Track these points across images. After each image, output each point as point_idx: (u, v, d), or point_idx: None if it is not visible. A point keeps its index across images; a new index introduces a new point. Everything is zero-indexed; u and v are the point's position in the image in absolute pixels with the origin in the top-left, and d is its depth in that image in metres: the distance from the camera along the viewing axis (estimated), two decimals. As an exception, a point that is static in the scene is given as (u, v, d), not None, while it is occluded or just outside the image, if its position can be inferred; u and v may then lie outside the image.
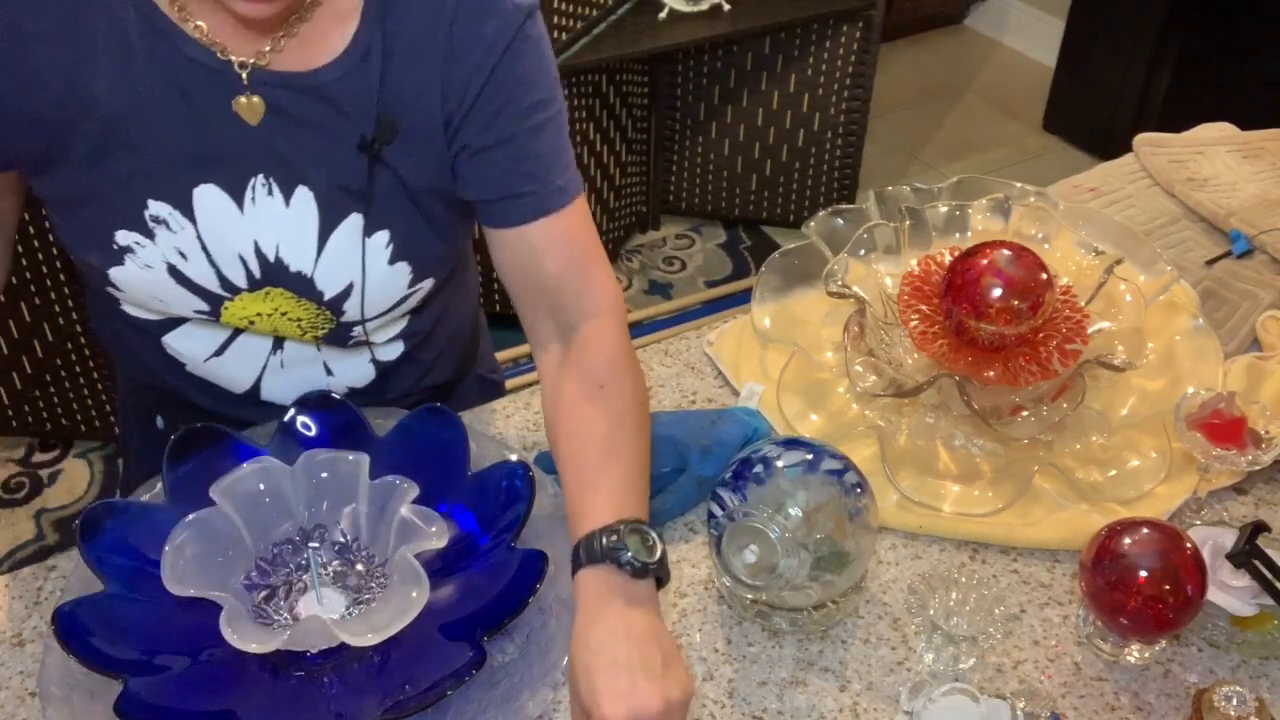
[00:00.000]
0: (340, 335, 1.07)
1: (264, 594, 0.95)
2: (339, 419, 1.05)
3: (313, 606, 0.94)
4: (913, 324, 1.11)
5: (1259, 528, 0.97)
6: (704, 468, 1.08)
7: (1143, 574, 0.91)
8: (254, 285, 1.00)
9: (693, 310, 2.78)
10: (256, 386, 1.11)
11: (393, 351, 1.14)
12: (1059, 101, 3.41)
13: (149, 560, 0.93)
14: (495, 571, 0.93)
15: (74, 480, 2.32)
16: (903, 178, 3.24)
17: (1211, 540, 0.99)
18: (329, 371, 1.12)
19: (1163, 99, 3.09)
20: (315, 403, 1.06)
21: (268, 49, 0.92)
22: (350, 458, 0.97)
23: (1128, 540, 0.93)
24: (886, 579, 1.04)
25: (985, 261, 1.06)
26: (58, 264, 2.07)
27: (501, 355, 2.59)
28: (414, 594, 0.87)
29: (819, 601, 0.97)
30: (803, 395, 1.18)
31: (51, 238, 2.01)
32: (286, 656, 0.90)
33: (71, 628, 0.86)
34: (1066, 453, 1.11)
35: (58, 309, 2.13)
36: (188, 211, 0.96)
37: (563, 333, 1.04)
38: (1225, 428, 1.02)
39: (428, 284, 1.06)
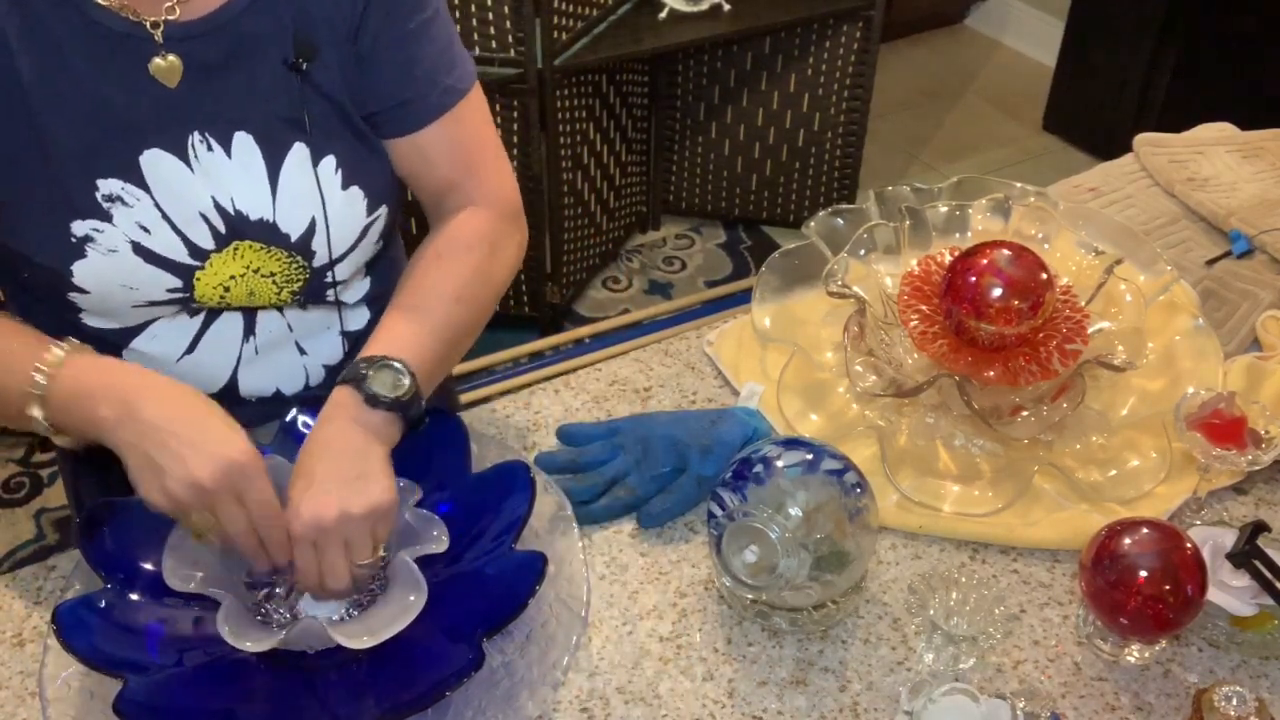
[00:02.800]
0: (315, 288, 1.06)
1: (264, 592, 0.95)
2: None
3: (312, 607, 0.94)
4: (913, 324, 1.11)
5: (1259, 528, 0.97)
6: (704, 468, 1.08)
7: (1143, 574, 0.91)
8: (220, 244, 0.99)
9: (693, 310, 2.78)
10: (234, 381, 1.10)
11: (360, 319, 1.14)
12: (1059, 101, 3.41)
13: (149, 559, 0.93)
14: (495, 572, 0.93)
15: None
16: (903, 178, 3.24)
17: (1211, 540, 0.99)
18: (302, 350, 1.12)
19: (1163, 99, 3.09)
20: (317, 402, 1.06)
21: (174, 2, 0.92)
22: None
23: (1128, 540, 0.93)
24: (886, 579, 1.04)
25: (985, 261, 1.06)
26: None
27: (501, 355, 2.60)
28: (412, 598, 0.87)
29: (819, 601, 0.97)
30: (803, 395, 1.18)
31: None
32: (286, 656, 0.90)
33: (71, 627, 0.86)
34: (1066, 453, 1.11)
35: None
36: (139, 181, 0.95)
37: (442, 218, 1.08)
38: (1225, 428, 1.02)
39: (382, 213, 1.06)
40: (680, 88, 2.88)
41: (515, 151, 2.41)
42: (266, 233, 1.00)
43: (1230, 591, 0.97)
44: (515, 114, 2.36)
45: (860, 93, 2.76)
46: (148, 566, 0.93)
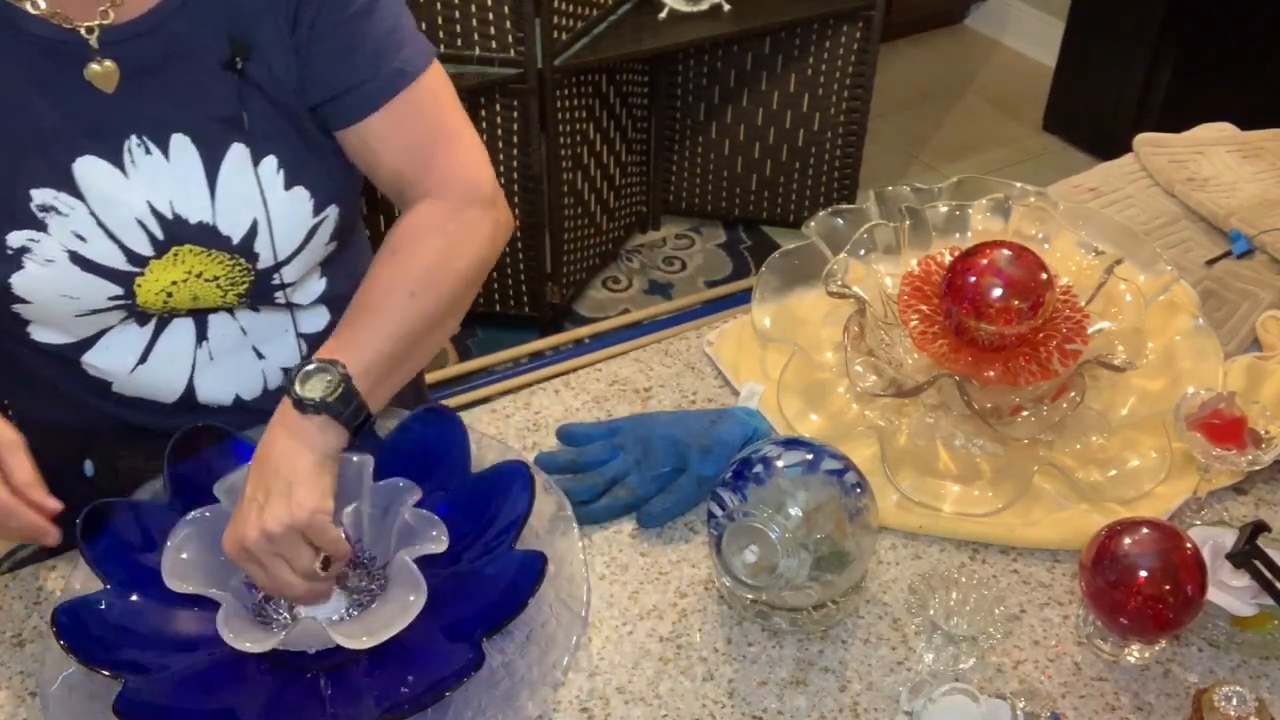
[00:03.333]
0: (262, 290, 1.04)
1: (264, 593, 0.95)
2: None
3: (312, 607, 0.94)
4: (913, 324, 1.11)
5: (1259, 528, 0.97)
6: (704, 468, 1.08)
7: (1143, 574, 0.91)
8: (159, 250, 0.98)
9: (693, 310, 2.78)
10: (190, 389, 1.08)
11: (318, 320, 1.12)
12: (1059, 101, 3.41)
13: (149, 560, 0.93)
14: (495, 572, 0.93)
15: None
16: (903, 178, 3.24)
17: (1211, 540, 0.99)
18: (259, 355, 1.10)
19: (1163, 99, 3.09)
20: None
21: (107, 5, 0.91)
22: (355, 459, 0.97)
23: (1128, 540, 0.93)
24: (886, 579, 1.04)
25: (985, 261, 1.06)
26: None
27: (501, 355, 2.60)
28: (411, 598, 0.87)
29: (819, 601, 0.97)
30: (803, 395, 1.18)
31: None
32: (286, 656, 0.90)
33: (71, 628, 0.86)
34: (1066, 453, 1.11)
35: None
36: (73, 190, 0.94)
37: (403, 212, 1.03)
38: (1225, 428, 1.02)
39: (332, 212, 1.03)
40: (680, 88, 2.88)
41: (515, 151, 2.41)
42: (206, 236, 0.98)
43: (1230, 591, 0.97)
44: (515, 114, 2.36)
45: (860, 93, 2.76)
46: (148, 566, 0.93)
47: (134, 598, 0.92)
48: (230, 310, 1.06)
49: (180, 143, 0.96)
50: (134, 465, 1.11)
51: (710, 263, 2.95)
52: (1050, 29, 3.58)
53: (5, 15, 0.89)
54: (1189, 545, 0.92)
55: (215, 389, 1.09)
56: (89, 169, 0.94)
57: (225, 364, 1.09)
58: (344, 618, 0.93)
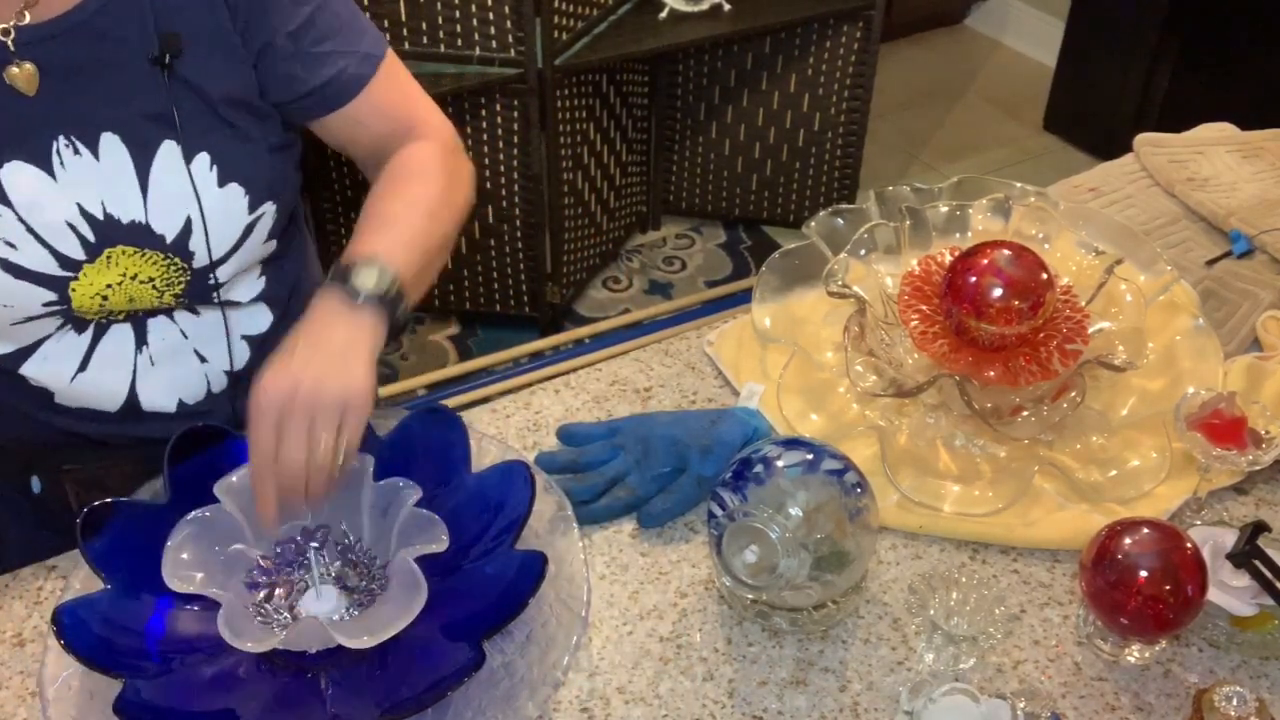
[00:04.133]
0: (199, 290, 1.03)
1: (265, 593, 0.95)
2: None
3: (312, 606, 0.94)
4: (913, 324, 1.11)
5: (1259, 528, 0.97)
6: (704, 468, 1.08)
7: (1143, 574, 0.91)
8: (91, 253, 0.97)
9: (693, 310, 2.78)
10: (133, 396, 1.07)
11: (260, 321, 1.11)
12: (1059, 101, 3.41)
13: (149, 559, 0.93)
14: (495, 572, 0.93)
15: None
16: (903, 178, 3.24)
17: (1211, 540, 0.99)
18: (201, 358, 1.08)
19: (1163, 99, 3.09)
20: None
21: (22, 6, 0.89)
22: (355, 459, 0.97)
23: (1128, 540, 0.93)
24: (886, 579, 1.04)
25: (985, 261, 1.06)
26: None
27: (501, 355, 2.60)
28: (412, 598, 0.87)
29: (819, 601, 0.97)
30: (803, 395, 1.18)
31: None
32: (286, 656, 0.90)
33: (72, 628, 0.86)
34: (1066, 453, 1.11)
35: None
36: (1, 197, 0.93)
37: (387, 159, 1.06)
38: (1225, 428, 1.02)
39: (269, 209, 1.03)
40: (680, 88, 2.88)
41: (515, 151, 2.41)
42: (139, 235, 0.97)
43: (1230, 591, 0.97)
44: (515, 114, 2.36)
45: (860, 93, 2.76)
46: (148, 566, 0.93)
47: (134, 598, 0.92)
48: (169, 313, 1.05)
49: (110, 142, 0.95)
50: (82, 478, 1.10)
51: (710, 263, 2.95)
52: (1050, 29, 3.58)
53: None
54: (1189, 545, 0.92)
55: (158, 395, 1.08)
56: (16, 174, 0.93)
57: (167, 368, 1.07)
58: (344, 617, 0.93)
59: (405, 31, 2.25)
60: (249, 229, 1.02)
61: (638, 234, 3.04)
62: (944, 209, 1.24)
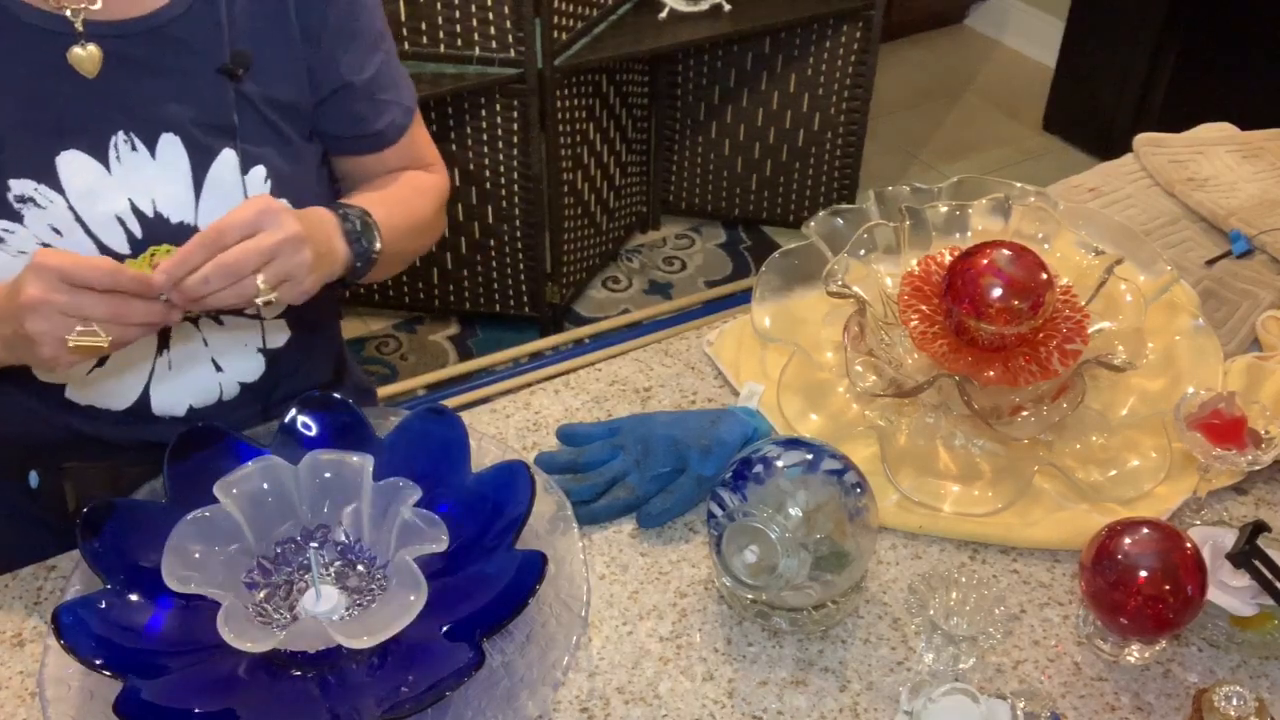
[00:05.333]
0: None
1: (265, 593, 0.95)
2: (340, 419, 1.05)
3: (312, 606, 0.94)
4: (913, 324, 1.11)
5: (1259, 528, 0.97)
6: (704, 468, 1.08)
7: (1143, 574, 0.91)
8: (136, 249, 0.98)
9: (693, 310, 2.78)
10: (145, 397, 1.07)
11: (278, 337, 1.13)
12: (1059, 101, 3.41)
13: (149, 559, 0.93)
14: (495, 572, 0.93)
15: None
16: (903, 178, 3.24)
17: (1211, 540, 0.99)
18: (218, 367, 1.10)
19: (1163, 99, 3.09)
20: (316, 403, 1.06)
21: None
22: (355, 459, 0.97)
23: (1128, 540, 0.93)
24: (886, 579, 1.04)
25: (985, 261, 1.06)
26: None
27: (501, 355, 2.60)
28: (412, 598, 0.87)
29: (819, 601, 0.97)
30: (803, 395, 1.18)
31: None
32: (286, 656, 0.90)
33: (71, 628, 0.86)
34: (1066, 453, 1.11)
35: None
36: (54, 183, 0.94)
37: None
38: (1225, 428, 1.02)
39: None
40: (680, 88, 2.88)
41: (515, 151, 2.41)
42: (185, 236, 0.97)
43: (1230, 591, 0.97)
44: (515, 114, 2.36)
45: (860, 93, 2.76)
46: (148, 566, 0.93)
47: (134, 598, 0.92)
48: (194, 320, 1.06)
49: (169, 142, 0.97)
50: (80, 475, 1.10)
51: (710, 263, 2.95)
52: (1050, 29, 3.58)
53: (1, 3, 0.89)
54: (1189, 545, 0.92)
55: (170, 399, 1.08)
56: (72, 163, 0.94)
57: (183, 374, 1.08)
58: (344, 617, 0.93)
59: (405, 31, 2.24)
60: None
61: (637, 234, 3.04)
62: (944, 209, 1.24)
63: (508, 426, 1.19)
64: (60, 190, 0.94)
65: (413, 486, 0.95)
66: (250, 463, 0.96)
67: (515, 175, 2.44)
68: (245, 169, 0.99)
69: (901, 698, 0.92)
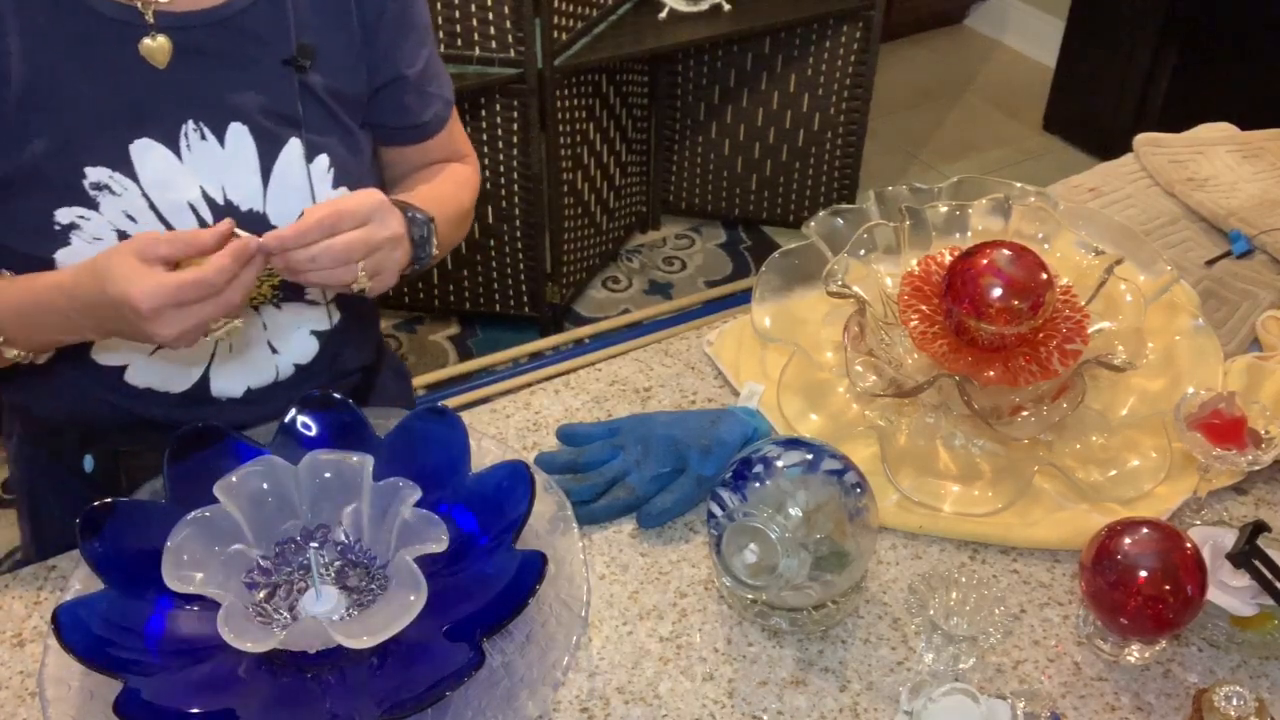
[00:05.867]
0: (293, 284, 1.06)
1: (265, 593, 0.95)
2: (340, 419, 1.05)
3: (312, 606, 0.94)
4: (913, 324, 1.11)
5: (1259, 528, 0.97)
6: (704, 468, 1.08)
7: (1143, 574, 0.91)
8: None
9: (693, 310, 2.78)
10: (205, 380, 1.10)
11: (330, 319, 1.16)
12: (1059, 101, 3.41)
13: (149, 560, 0.93)
14: (495, 572, 0.93)
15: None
16: (903, 178, 3.24)
17: (1211, 540, 0.99)
18: (274, 349, 1.12)
19: (1163, 99, 3.09)
20: (316, 403, 1.06)
21: None
22: (354, 459, 0.97)
23: (1128, 540, 0.93)
24: (886, 579, 1.04)
25: (985, 261, 1.06)
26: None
27: (501, 355, 2.60)
28: (412, 598, 0.87)
29: (819, 601, 0.97)
30: (803, 395, 1.18)
31: None
32: (286, 656, 0.90)
33: (71, 628, 0.86)
34: (1066, 453, 1.11)
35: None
36: (128, 171, 0.96)
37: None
38: (1225, 428, 1.02)
39: None
40: (680, 88, 2.88)
41: (515, 151, 2.41)
42: (255, 224, 1.01)
43: (1230, 591, 0.97)
44: (515, 114, 2.36)
45: (860, 93, 2.76)
46: (148, 566, 0.93)
47: (134, 598, 0.92)
48: (256, 307, 1.09)
49: (237, 132, 0.99)
50: (135, 460, 1.12)
51: (710, 263, 2.95)
52: (1050, 29, 3.58)
53: None
54: (1189, 545, 0.92)
55: (229, 382, 1.11)
56: (146, 151, 0.97)
57: (242, 357, 1.11)
58: (344, 617, 0.93)
59: (405, 31, 2.24)
60: None
61: (637, 234, 3.04)
62: (944, 209, 1.24)
63: (508, 426, 1.19)
64: (134, 178, 0.97)
65: (413, 486, 0.95)
66: (250, 463, 0.96)
67: (515, 175, 2.44)
68: (310, 158, 1.02)
69: (901, 698, 0.92)
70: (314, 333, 1.15)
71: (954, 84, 3.73)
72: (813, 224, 1.24)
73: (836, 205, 1.28)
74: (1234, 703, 0.84)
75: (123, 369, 1.07)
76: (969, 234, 1.23)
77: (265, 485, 0.96)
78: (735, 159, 2.94)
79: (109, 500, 0.96)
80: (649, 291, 2.85)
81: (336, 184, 1.04)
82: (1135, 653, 0.96)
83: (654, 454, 1.09)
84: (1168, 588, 0.90)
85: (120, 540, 0.94)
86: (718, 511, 0.95)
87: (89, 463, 1.16)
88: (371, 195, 0.95)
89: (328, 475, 0.98)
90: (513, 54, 2.27)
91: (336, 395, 1.06)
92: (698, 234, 3.04)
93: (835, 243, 1.22)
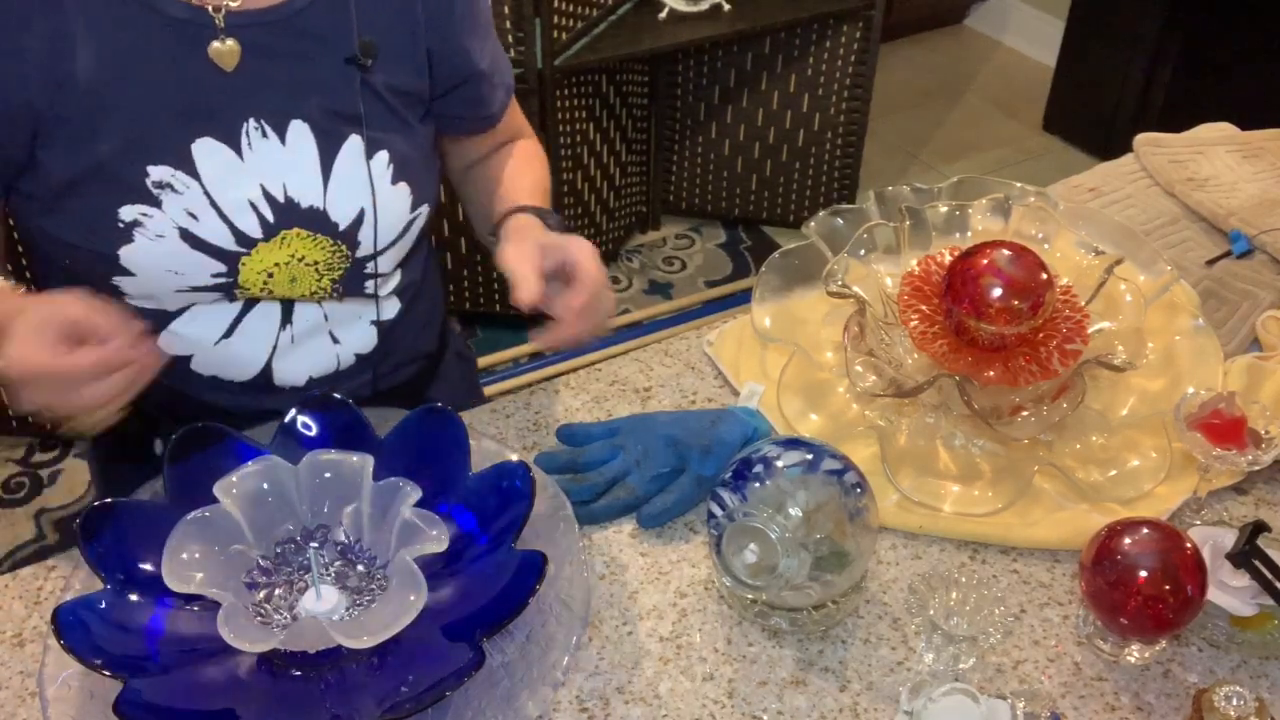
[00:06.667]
0: (354, 278, 1.08)
1: (264, 593, 0.95)
2: (340, 419, 1.05)
3: (312, 606, 0.94)
4: (913, 324, 1.11)
5: (1259, 528, 0.97)
6: (704, 468, 1.08)
7: (1143, 574, 0.91)
8: (268, 233, 1.01)
9: (693, 310, 2.78)
10: (268, 369, 1.12)
11: (391, 309, 1.17)
12: (1059, 101, 3.41)
13: (149, 560, 0.93)
14: (495, 572, 0.93)
15: (74, 480, 2.32)
16: (903, 178, 3.24)
17: (1211, 540, 0.99)
18: (335, 339, 1.14)
19: (1163, 99, 3.09)
20: (316, 403, 1.06)
21: None
22: (354, 459, 0.97)
23: (1128, 540, 0.93)
24: (886, 579, 1.04)
25: (985, 261, 1.06)
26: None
27: (501, 355, 2.60)
28: (412, 597, 0.87)
29: (819, 601, 0.97)
30: (803, 395, 1.18)
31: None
32: (286, 656, 0.90)
33: (71, 628, 0.86)
34: (1066, 453, 1.11)
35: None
36: (190, 169, 0.97)
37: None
38: (1225, 428, 1.02)
39: (424, 210, 1.10)
40: (680, 88, 2.88)
41: (515, 151, 2.41)
42: (316, 220, 1.02)
43: (1230, 591, 0.97)
44: (515, 114, 2.36)
45: (860, 93, 2.76)
46: (147, 567, 0.93)
47: (134, 598, 0.92)
48: (318, 301, 1.10)
49: (299, 129, 1.00)
50: None
51: (710, 263, 2.95)
52: (1050, 29, 3.58)
53: None
54: (1189, 545, 0.92)
55: (291, 371, 1.13)
56: (207, 150, 0.97)
57: (303, 347, 1.12)
58: (344, 617, 0.93)
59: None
60: (408, 227, 1.08)
61: (637, 234, 3.04)
62: (944, 209, 1.24)
63: (508, 426, 1.19)
64: (196, 176, 0.97)
65: (413, 486, 0.95)
66: (250, 463, 0.96)
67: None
68: (370, 154, 1.03)
69: (901, 698, 0.92)
70: (374, 323, 1.16)
71: (954, 84, 3.73)
72: (813, 224, 1.24)
73: (836, 205, 1.28)
74: (1234, 703, 0.84)
75: (189, 358, 1.09)
76: (969, 234, 1.23)
77: (265, 485, 0.96)
78: (735, 159, 2.94)
79: (109, 500, 0.96)
80: (649, 291, 2.85)
81: (395, 179, 1.05)
82: (1135, 653, 0.96)
83: (654, 454, 1.09)
84: (1168, 588, 0.90)
85: (120, 540, 0.94)
86: (718, 511, 0.95)
87: (158, 447, 1.17)
88: (592, 257, 1.01)
89: (328, 475, 0.98)
90: (513, 54, 2.27)
91: (336, 395, 1.06)
92: (698, 234, 3.04)
93: (835, 243, 1.22)
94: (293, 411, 1.05)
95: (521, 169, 1.21)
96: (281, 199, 1.01)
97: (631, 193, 2.94)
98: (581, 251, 1.00)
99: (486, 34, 1.13)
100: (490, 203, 1.18)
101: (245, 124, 0.98)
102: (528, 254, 0.99)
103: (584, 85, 2.53)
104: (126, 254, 0.97)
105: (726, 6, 2.56)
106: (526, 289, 0.96)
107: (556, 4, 2.27)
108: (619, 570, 1.04)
